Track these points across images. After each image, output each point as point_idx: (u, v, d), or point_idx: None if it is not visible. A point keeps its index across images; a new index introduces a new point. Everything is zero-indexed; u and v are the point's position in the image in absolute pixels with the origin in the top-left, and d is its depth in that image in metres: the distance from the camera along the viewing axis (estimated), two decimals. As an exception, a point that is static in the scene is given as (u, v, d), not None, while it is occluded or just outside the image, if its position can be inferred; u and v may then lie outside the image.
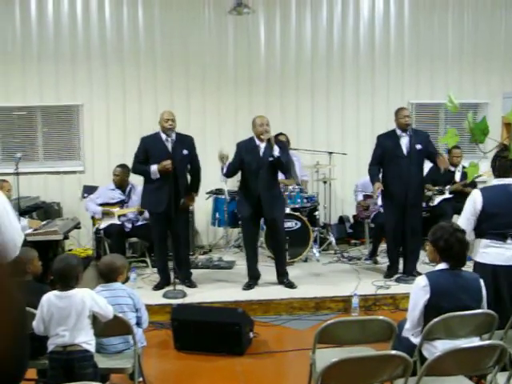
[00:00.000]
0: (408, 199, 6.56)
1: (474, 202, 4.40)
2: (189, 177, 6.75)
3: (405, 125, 6.64)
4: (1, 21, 8.75)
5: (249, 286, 6.60)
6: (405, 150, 6.64)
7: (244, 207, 6.61)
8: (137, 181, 7.37)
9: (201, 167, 6.81)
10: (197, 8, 9.00)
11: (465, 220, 4.40)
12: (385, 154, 6.79)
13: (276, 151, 6.29)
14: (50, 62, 8.83)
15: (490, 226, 4.38)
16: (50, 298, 3.64)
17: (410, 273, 6.69)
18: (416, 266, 6.85)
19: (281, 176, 7.12)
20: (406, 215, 6.61)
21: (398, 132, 6.72)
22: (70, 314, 3.59)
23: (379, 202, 7.64)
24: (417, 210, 6.74)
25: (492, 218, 4.36)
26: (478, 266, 4.41)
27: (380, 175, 6.86)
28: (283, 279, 6.65)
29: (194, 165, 6.71)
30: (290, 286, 6.59)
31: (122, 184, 7.57)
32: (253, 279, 6.67)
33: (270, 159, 6.33)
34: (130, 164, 7.43)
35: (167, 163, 6.31)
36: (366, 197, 8.10)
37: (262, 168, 6.40)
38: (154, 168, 6.44)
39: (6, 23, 8.76)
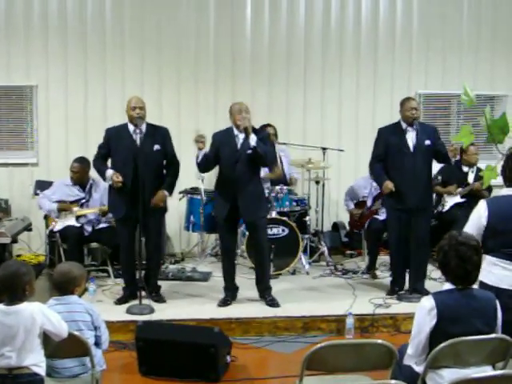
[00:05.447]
0: (414, 203, 6.58)
1: (479, 215, 4.34)
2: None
3: (411, 118, 6.68)
4: None
5: (225, 303, 6.58)
6: (411, 146, 6.67)
7: (220, 207, 6.61)
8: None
9: (179, 163, 6.77)
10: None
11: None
12: (388, 151, 6.81)
13: (252, 141, 6.29)
14: (0, 35, 8.75)
15: (497, 243, 4.33)
16: (-6, 313, 3.62)
17: (416, 290, 6.69)
18: (423, 283, 6.86)
19: (265, 172, 7.15)
20: (412, 221, 6.64)
21: (404, 126, 6.75)
22: (17, 333, 3.56)
23: (368, 203, 7.77)
24: (424, 216, 6.76)
25: (499, 234, 4.31)
26: (482, 287, 4.34)
27: None
28: (265, 294, 6.64)
29: (169, 160, 6.68)
30: (272, 304, 6.55)
31: (81, 180, 7.53)
32: (229, 293, 6.66)
33: (249, 152, 6.34)
34: (90, 156, 7.43)
35: (117, 179, 6.36)
36: (358, 204, 8.22)
37: (239, 161, 6.40)
38: (109, 173, 6.46)
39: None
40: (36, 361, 3.62)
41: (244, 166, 6.41)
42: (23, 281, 3.68)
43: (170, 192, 6.75)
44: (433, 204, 7.20)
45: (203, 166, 6.61)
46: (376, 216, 7.78)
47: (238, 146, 6.45)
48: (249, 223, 6.70)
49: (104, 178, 6.62)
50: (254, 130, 6.42)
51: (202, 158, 6.49)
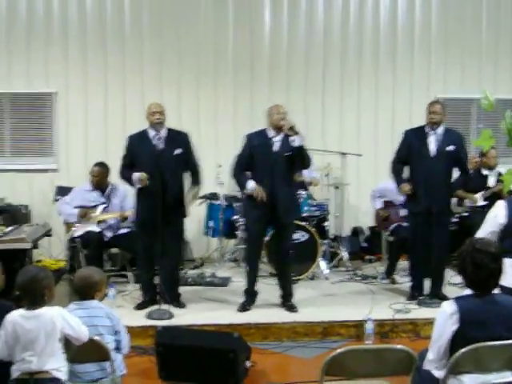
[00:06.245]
0: (434, 207, 6.55)
1: (496, 214, 4.39)
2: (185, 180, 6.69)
3: (429, 122, 6.68)
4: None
5: (243, 308, 6.57)
6: (432, 151, 6.65)
7: (253, 208, 6.47)
8: (120, 185, 7.40)
9: (200, 165, 6.72)
10: (191, -17, 9.04)
11: (486, 234, 4.36)
12: (410, 153, 6.81)
13: (297, 141, 6.24)
14: (21, 42, 8.84)
15: None
16: (15, 317, 3.64)
17: (435, 295, 6.68)
18: (441, 288, 6.85)
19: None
20: (432, 226, 6.59)
21: (427, 129, 6.74)
22: (37, 337, 3.58)
23: (403, 212, 7.63)
24: (443, 221, 6.72)
25: None
26: (501, 289, 4.32)
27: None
28: (286, 301, 6.64)
29: (192, 168, 6.65)
30: (291, 308, 6.57)
31: (100, 185, 7.56)
32: (249, 297, 6.65)
33: (287, 154, 6.30)
34: (110, 162, 7.47)
35: (143, 178, 6.34)
36: (387, 204, 8.07)
37: (276, 164, 6.36)
38: (135, 176, 6.42)
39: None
40: (57, 365, 3.63)
41: (281, 168, 6.37)
42: (42, 285, 3.71)
43: (199, 184, 6.71)
44: (452, 209, 7.15)
45: (238, 170, 6.58)
46: (404, 224, 7.71)
47: (274, 148, 6.41)
48: (282, 226, 6.57)
49: (132, 184, 6.56)
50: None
51: (235, 164, 6.54)
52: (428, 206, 6.56)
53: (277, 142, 6.41)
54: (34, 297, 3.67)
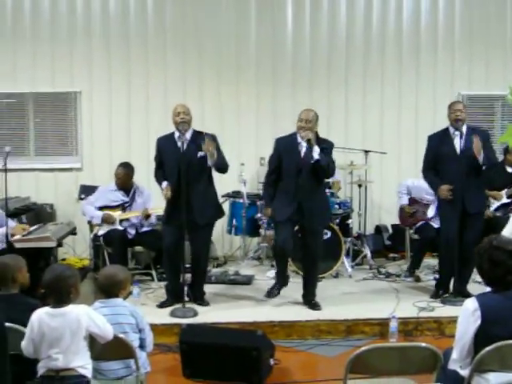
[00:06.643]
0: (466, 208, 6.51)
1: None
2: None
3: (454, 120, 6.61)
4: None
5: (271, 293, 6.73)
6: (459, 152, 6.57)
7: (281, 211, 6.49)
8: (144, 183, 7.45)
9: (228, 165, 6.62)
10: (213, -20, 9.05)
11: (510, 234, 4.32)
12: (437, 157, 6.75)
13: (315, 153, 6.24)
14: (44, 42, 8.91)
15: None
16: (41, 315, 3.67)
17: (459, 293, 6.64)
18: (466, 286, 6.79)
19: None
20: (463, 226, 6.54)
21: (451, 130, 6.67)
22: (63, 335, 3.61)
23: (430, 213, 7.56)
24: (476, 223, 6.64)
25: None
26: None
27: None
28: (309, 299, 6.65)
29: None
30: (314, 306, 6.57)
31: (125, 186, 7.62)
32: (278, 284, 6.75)
33: (312, 161, 6.28)
34: (134, 160, 7.52)
35: (165, 193, 6.43)
36: (413, 201, 8.01)
37: (303, 170, 6.36)
38: (163, 185, 6.53)
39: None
40: (82, 363, 3.65)
41: (308, 174, 6.37)
42: (68, 283, 3.73)
43: (217, 157, 6.39)
44: (484, 209, 7.06)
45: (272, 175, 6.62)
46: (431, 223, 7.69)
47: (302, 154, 6.41)
48: (309, 231, 6.56)
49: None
50: (317, 140, 6.35)
51: (268, 170, 6.67)
52: (462, 208, 6.52)
53: (304, 148, 6.41)
54: (60, 295, 3.70)
